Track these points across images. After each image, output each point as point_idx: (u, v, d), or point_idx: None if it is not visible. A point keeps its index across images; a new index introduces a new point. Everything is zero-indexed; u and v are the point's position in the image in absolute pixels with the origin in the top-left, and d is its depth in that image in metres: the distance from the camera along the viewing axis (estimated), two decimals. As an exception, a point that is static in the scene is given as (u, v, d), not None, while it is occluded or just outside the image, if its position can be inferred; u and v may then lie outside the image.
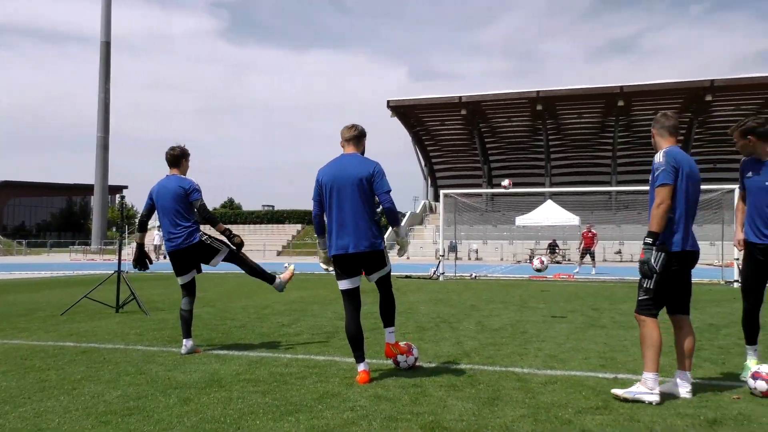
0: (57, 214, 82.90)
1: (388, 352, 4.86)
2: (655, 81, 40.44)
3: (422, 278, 17.50)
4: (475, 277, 18.05)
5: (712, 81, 38.41)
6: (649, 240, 4.02)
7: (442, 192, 20.13)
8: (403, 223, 5.14)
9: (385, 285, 4.83)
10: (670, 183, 4.01)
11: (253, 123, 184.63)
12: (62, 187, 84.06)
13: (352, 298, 4.71)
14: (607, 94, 40.77)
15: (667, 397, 4.08)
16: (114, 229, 61.82)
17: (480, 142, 48.18)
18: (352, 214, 4.55)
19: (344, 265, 4.65)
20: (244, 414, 3.70)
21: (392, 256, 5.24)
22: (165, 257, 35.97)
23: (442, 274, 17.36)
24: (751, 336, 4.67)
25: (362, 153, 4.81)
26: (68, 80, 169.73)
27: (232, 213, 56.33)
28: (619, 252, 36.71)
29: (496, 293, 12.28)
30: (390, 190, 4.62)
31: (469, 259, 36.52)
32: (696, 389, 4.22)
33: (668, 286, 4.13)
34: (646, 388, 3.94)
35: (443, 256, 18.37)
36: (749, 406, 3.88)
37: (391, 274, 4.94)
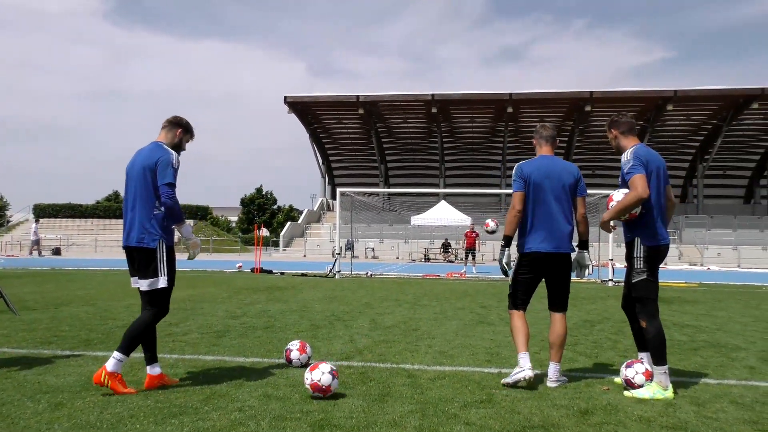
0: None
1: (147, 382, 4.22)
2: (541, 90, 42.69)
3: (318, 276, 17.44)
4: (371, 275, 18.23)
5: (591, 93, 41.10)
6: (502, 242, 4.63)
7: (339, 190, 20.20)
8: (188, 224, 4.57)
9: (149, 302, 4.34)
10: (518, 190, 4.57)
11: (140, 111, 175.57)
12: None
13: (140, 297, 4.44)
14: (498, 100, 42.42)
15: (543, 388, 4.34)
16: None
17: (377, 141, 48.69)
18: (132, 204, 4.28)
19: (127, 259, 4.43)
20: (123, 418, 3.50)
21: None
22: (40, 254, 33.52)
23: (338, 272, 17.39)
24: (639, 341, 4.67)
25: (173, 143, 4.44)
26: None
27: (117, 207, 53.18)
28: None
29: (390, 291, 12.47)
30: (171, 183, 4.19)
31: (366, 257, 36.82)
32: (571, 381, 4.54)
33: (529, 284, 4.58)
34: (518, 367, 4.34)
35: (340, 254, 18.43)
36: (617, 396, 4.20)
37: (169, 297, 4.44)
